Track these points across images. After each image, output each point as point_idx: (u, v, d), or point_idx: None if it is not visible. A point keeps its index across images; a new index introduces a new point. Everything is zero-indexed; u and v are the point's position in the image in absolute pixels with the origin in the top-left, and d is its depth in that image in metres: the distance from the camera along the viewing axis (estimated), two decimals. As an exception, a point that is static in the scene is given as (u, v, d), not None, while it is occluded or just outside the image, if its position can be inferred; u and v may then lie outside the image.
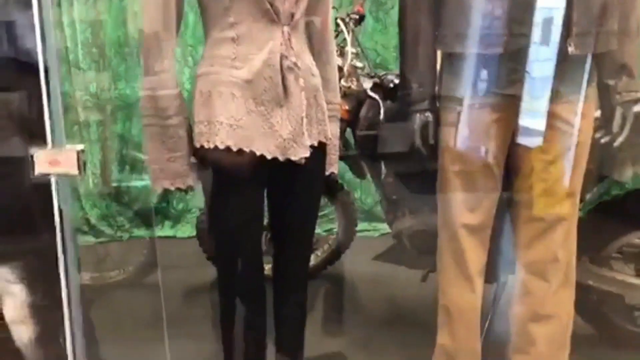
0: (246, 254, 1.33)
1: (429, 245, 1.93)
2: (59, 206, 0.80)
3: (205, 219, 2.23)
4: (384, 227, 3.13)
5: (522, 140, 1.26)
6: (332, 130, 1.37)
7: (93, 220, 2.82)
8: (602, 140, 1.31)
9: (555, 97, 1.20)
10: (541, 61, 1.17)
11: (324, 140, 1.31)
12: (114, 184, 2.62)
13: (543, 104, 1.19)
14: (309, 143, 1.23)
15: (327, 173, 1.42)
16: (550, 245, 1.30)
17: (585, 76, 1.23)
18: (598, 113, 1.34)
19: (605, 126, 1.30)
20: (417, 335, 1.96)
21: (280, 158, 1.21)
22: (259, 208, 1.34)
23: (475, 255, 1.36)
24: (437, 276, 1.46)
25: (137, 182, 2.82)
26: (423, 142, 1.36)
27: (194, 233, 2.87)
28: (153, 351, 1.76)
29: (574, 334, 1.39)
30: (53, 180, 0.81)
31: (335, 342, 1.88)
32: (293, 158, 1.21)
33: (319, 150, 1.31)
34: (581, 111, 1.24)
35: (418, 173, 1.65)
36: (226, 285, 1.41)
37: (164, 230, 2.97)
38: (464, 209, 1.34)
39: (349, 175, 2.37)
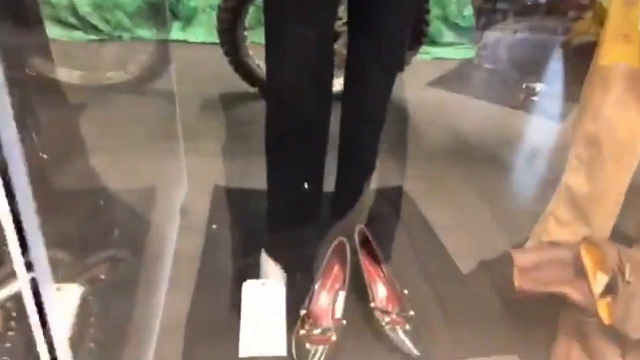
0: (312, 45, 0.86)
1: (535, 59, 1.45)
2: None
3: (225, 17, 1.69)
4: (437, 51, 2.58)
5: None
6: None
7: (82, 11, 2.26)
8: None
9: None
10: None
11: None
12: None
13: None
14: None
15: None
16: None
17: None
18: None
19: None
20: (487, 170, 1.58)
21: None
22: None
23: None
24: (581, 95, 0.99)
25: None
26: None
27: (210, 38, 2.35)
28: (164, 164, 1.38)
29: None
30: None
31: (395, 175, 1.50)
32: None
33: None
34: None
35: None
36: (278, 96, 0.96)
37: (173, 32, 2.43)
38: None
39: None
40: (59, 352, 0.45)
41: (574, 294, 0.90)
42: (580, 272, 0.94)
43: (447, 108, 2.00)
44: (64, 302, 0.79)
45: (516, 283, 0.97)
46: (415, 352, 0.91)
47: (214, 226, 1.18)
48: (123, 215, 1.09)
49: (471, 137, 1.77)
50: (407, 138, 1.73)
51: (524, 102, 1.46)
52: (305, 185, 1.07)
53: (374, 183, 1.39)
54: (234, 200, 1.31)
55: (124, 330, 0.81)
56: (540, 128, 1.87)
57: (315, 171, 1.10)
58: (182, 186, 1.34)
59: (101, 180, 1.11)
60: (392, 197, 1.37)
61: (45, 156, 0.92)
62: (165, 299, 1.00)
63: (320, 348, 0.88)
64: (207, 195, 1.32)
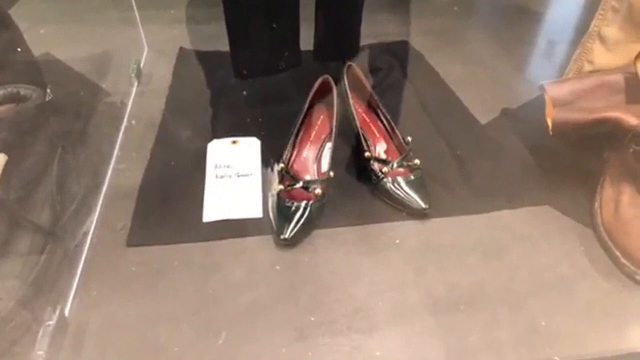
0: None
1: None
2: None
3: None
4: None
5: None
6: None
7: None
8: None
9: None
10: None
11: None
12: None
13: None
14: None
15: None
16: None
17: None
18: None
19: None
20: (506, 20, 1.33)
21: None
22: None
23: None
24: None
25: None
26: None
27: None
28: (116, 32, 1.16)
29: None
30: None
31: (399, 31, 1.25)
32: None
33: None
34: None
35: None
36: None
37: None
38: None
39: None
40: None
41: (630, 118, 0.69)
42: (636, 95, 0.73)
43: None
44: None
45: (550, 119, 0.76)
46: (423, 205, 0.72)
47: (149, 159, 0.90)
48: (55, 75, 0.89)
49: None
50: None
51: None
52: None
53: (372, 39, 1.16)
54: (200, 62, 1.09)
55: (43, 190, 0.63)
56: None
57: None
58: (141, 51, 1.12)
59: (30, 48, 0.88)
60: (395, 51, 1.14)
61: None
62: (115, 166, 0.82)
63: (303, 204, 0.69)
64: (170, 59, 1.10)
